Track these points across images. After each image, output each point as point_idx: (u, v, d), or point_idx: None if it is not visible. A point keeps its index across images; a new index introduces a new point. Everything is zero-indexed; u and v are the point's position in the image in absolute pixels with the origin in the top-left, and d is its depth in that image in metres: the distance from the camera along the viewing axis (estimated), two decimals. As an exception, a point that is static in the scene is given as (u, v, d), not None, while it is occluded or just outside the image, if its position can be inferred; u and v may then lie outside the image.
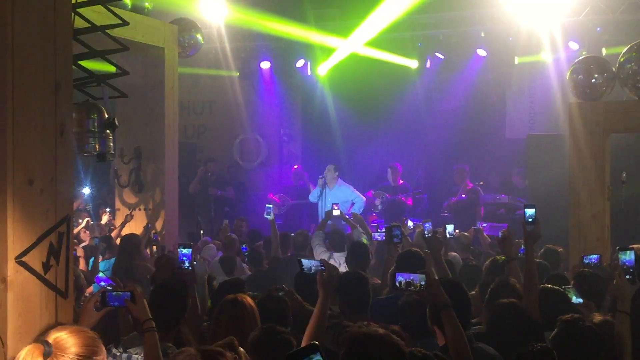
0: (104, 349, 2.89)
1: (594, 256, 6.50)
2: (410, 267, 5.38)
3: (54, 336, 2.79)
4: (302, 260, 4.53)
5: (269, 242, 8.86)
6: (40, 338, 2.92)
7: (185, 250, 5.02)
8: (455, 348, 3.74)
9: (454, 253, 8.03)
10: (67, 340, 2.77)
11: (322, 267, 4.17)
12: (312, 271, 4.40)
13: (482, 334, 4.60)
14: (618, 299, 4.63)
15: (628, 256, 4.84)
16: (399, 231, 6.93)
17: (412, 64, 13.52)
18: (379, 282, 6.52)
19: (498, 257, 6.36)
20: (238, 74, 14.37)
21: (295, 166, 14.29)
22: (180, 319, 4.24)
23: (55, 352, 2.72)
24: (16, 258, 3.43)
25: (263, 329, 3.83)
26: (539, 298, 4.93)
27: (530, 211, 5.38)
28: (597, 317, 4.73)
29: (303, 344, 3.69)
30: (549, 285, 5.31)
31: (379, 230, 8.63)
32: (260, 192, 14.02)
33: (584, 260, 6.41)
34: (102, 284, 5.60)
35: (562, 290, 5.18)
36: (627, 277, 4.66)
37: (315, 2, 13.28)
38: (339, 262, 7.56)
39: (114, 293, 4.16)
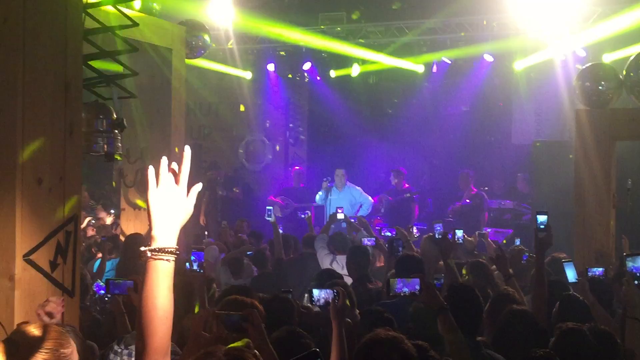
0: (72, 342, 2.90)
1: (599, 269, 6.36)
2: (409, 271, 5.39)
3: (20, 333, 2.82)
4: (313, 290, 4.22)
5: (273, 244, 8.87)
6: (5, 337, 2.94)
7: (197, 254, 5.08)
8: (453, 352, 3.74)
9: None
10: (33, 335, 2.80)
11: (335, 294, 3.84)
12: (322, 303, 4.03)
13: (487, 343, 4.58)
14: (628, 305, 4.61)
15: (637, 263, 4.80)
16: (400, 245, 6.94)
17: (419, 68, 13.56)
18: (381, 285, 6.54)
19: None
20: (249, 75, 14.38)
21: (296, 167, 14.30)
22: (182, 315, 4.20)
23: (23, 348, 2.75)
24: (24, 256, 3.46)
25: (287, 331, 3.81)
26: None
27: (542, 218, 5.25)
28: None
29: None
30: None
31: (367, 235, 8.61)
32: (265, 194, 14.02)
33: (588, 273, 6.29)
34: (102, 292, 5.71)
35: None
36: (636, 282, 4.63)
37: (323, 4, 13.30)
38: (342, 264, 7.56)
39: (116, 281, 4.22)
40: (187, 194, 2.29)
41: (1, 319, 3.40)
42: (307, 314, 4.74)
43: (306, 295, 6.91)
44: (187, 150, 2.29)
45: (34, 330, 2.86)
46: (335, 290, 3.89)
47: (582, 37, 11.29)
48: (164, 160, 2.28)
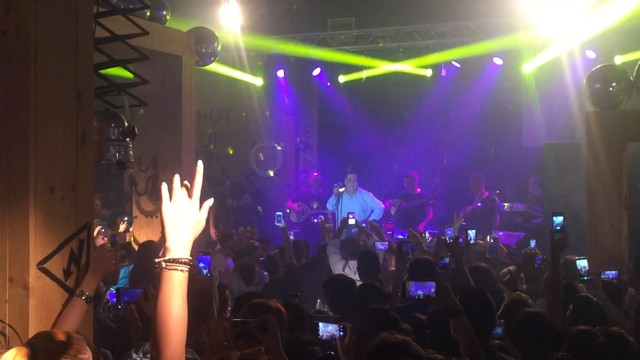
0: (89, 349, 2.94)
1: (612, 272, 6.33)
2: (422, 274, 5.40)
3: (40, 338, 2.86)
4: (320, 323, 4.09)
5: (283, 250, 8.89)
6: (25, 342, 2.97)
7: (204, 258, 5.08)
8: (468, 355, 3.73)
9: None
10: (53, 340, 2.83)
11: (342, 333, 3.74)
12: (325, 337, 3.92)
13: (501, 347, 4.58)
14: None
15: None
16: (409, 248, 6.92)
17: (428, 72, 13.55)
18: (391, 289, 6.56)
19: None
20: (261, 81, 14.40)
21: (315, 174, 14.28)
22: (199, 322, 4.20)
23: (44, 353, 2.78)
24: (38, 264, 3.49)
25: (291, 336, 3.80)
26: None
27: (558, 219, 5.24)
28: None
29: None
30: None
31: (378, 239, 8.60)
32: (276, 200, 14.03)
33: (602, 276, 6.27)
34: (115, 300, 5.75)
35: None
36: None
37: (331, 10, 13.34)
38: (354, 269, 7.57)
39: (125, 289, 4.25)
40: (200, 208, 2.35)
41: (16, 327, 3.42)
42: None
43: (318, 300, 6.95)
44: (200, 166, 2.35)
45: (54, 335, 2.89)
46: (341, 326, 3.80)
47: (592, 38, 11.21)
48: (177, 177, 2.35)
